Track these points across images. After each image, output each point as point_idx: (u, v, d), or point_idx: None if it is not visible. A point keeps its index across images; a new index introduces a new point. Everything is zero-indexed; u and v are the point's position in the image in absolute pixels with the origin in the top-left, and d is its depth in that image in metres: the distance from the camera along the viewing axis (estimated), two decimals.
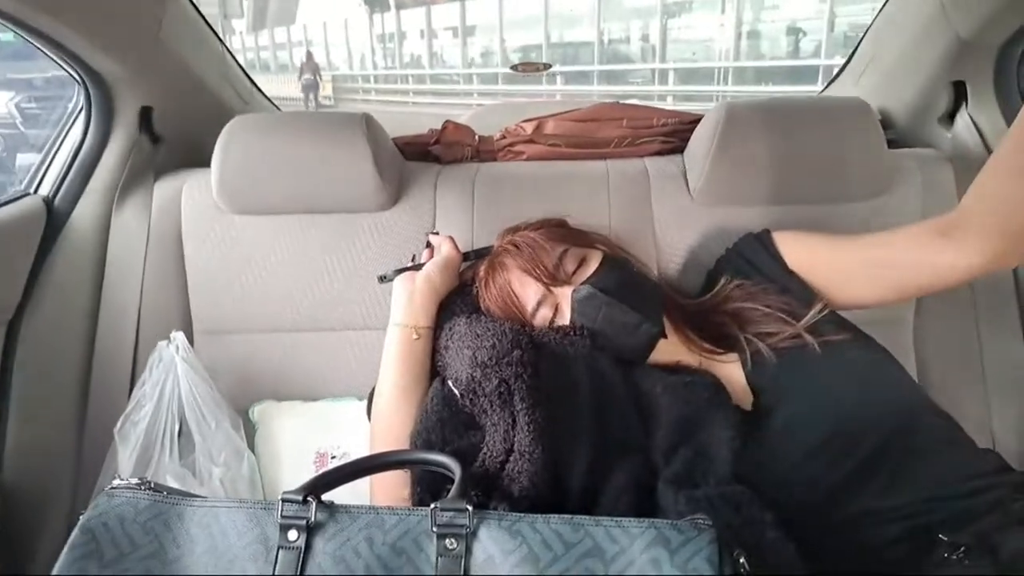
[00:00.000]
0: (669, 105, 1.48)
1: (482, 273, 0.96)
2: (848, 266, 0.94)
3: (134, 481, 0.65)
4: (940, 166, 1.18)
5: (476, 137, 1.32)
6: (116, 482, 0.66)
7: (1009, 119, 1.21)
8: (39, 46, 1.08)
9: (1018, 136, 0.77)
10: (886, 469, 0.77)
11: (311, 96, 11.82)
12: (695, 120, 1.22)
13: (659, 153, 1.26)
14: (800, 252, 0.97)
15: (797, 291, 0.95)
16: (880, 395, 0.84)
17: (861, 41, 1.43)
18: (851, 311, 0.96)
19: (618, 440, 0.79)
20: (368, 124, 1.12)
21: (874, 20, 1.38)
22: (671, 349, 0.93)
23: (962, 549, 0.69)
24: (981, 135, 1.22)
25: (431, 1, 13.24)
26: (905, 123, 1.35)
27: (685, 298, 1.05)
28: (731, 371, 0.92)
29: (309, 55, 13.15)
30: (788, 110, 1.12)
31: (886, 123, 1.36)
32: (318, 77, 12.35)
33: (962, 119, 1.24)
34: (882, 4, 1.33)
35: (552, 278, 0.90)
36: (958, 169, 1.17)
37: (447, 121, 1.31)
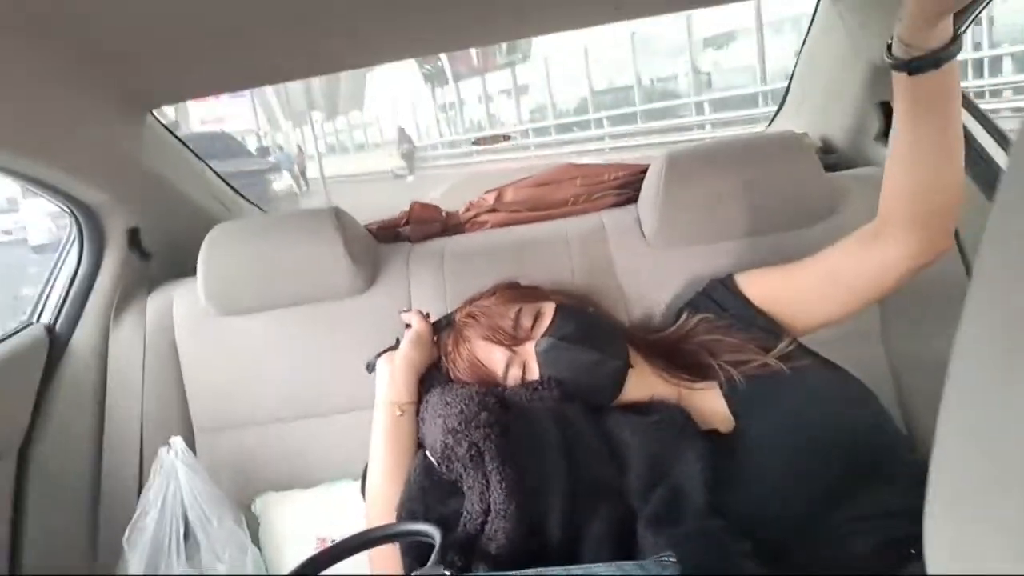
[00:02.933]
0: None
1: (449, 348, 1.01)
2: (803, 290, 0.99)
3: None
4: (880, 180, 1.23)
5: (443, 213, 1.39)
6: None
7: None
8: (27, 186, 1.17)
9: (902, 129, 0.82)
10: (855, 486, 0.79)
11: (411, 161, 12.67)
12: (644, 170, 1.29)
13: (615, 205, 1.32)
14: (762, 289, 1.02)
15: (765, 326, 0.99)
16: (845, 416, 0.87)
17: (791, 81, 1.52)
18: (820, 330, 1.00)
19: (593, 487, 0.82)
20: (338, 216, 1.20)
21: (797, 61, 1.47)
22: (644, 383, 0.96)
23: None
24: None
25: (485, 69, 13.90)
26: (845, 146, 1.41)
27: (653, 334, 1.09)
28: (709, 398, 0.95)
29: (401, 130, 14.07)
30: (725, 150, 1.19)
31: (829, 148, 1.43)
32: (413, 145, 13.23)
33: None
34: (800, 46, 1.42)
35: (512, 339, 0.95)
36: None
37: (414, 202, 1.39)
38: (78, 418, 1.23)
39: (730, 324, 1.00)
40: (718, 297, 1.06)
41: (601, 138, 12.03)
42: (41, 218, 7.70)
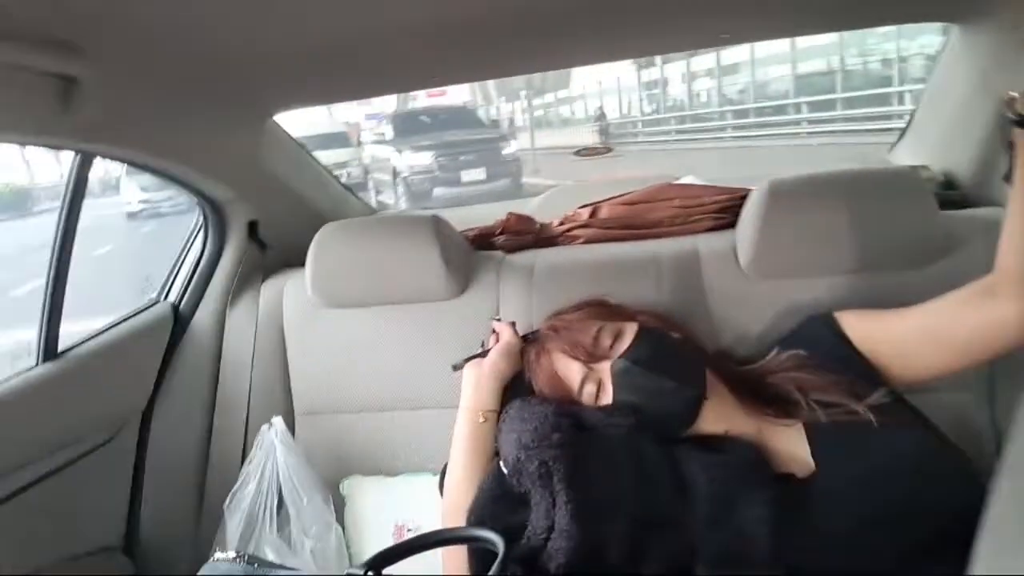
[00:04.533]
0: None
1: (531, 358, 1.04)
2: (906, 341, 0.95)
3: (232, 555, 0.78)
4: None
5: (537, 225, 1.43)
6: (218, 555, 0.79)
7: None
8: (165, 180, 1.31)
9: (1023, 186, 0.77)
10: (930, 558, 0.77)
11: (606, 137, 13.39)
12: (744, 196, 1.27)
13: (711, 230, 1.31)
14: (863, 332, 0.98)
15: (861, 371, 0.95)
16: (934, 490, 0.83)
17: (916, 109, 1.44)
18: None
19: (657, 519, 0.83)
20: (436, 223, 1.26)
21: (925, 89, 1.39)
22: (722, 415, 0.94)
23: None
24: None
25: (691, 54, 14.13)
26: (970, 183, 1.33)
27: (740, 365, 1.07)
28: (790, 437, 0.93)
29: (599, 108, 14.84)
30: (832, 182, 1.15)
31: (951, 184, 1.35)
32: (608, 122, 14.13)
33: None
34: (931, 73, 1.35)
35: (590, 355, 0.96)
36: None
37: (509, 213, 1.43)
38: (195, 391, 1.37)
39: (823, 363, 0.97)
40: (815, 334, 1.02)
41: (798, 123, 11.37)
42: (135, 191, 8.72)
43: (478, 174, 8.06)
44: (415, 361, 1.29)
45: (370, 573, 0.71)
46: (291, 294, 1.37)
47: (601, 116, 14.02)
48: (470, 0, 0.92)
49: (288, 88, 1.30)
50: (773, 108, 12.38)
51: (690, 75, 14.69)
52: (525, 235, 1.40)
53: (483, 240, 1.43)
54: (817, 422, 0.90)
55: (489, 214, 1.50)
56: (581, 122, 14.70)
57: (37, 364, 1.16)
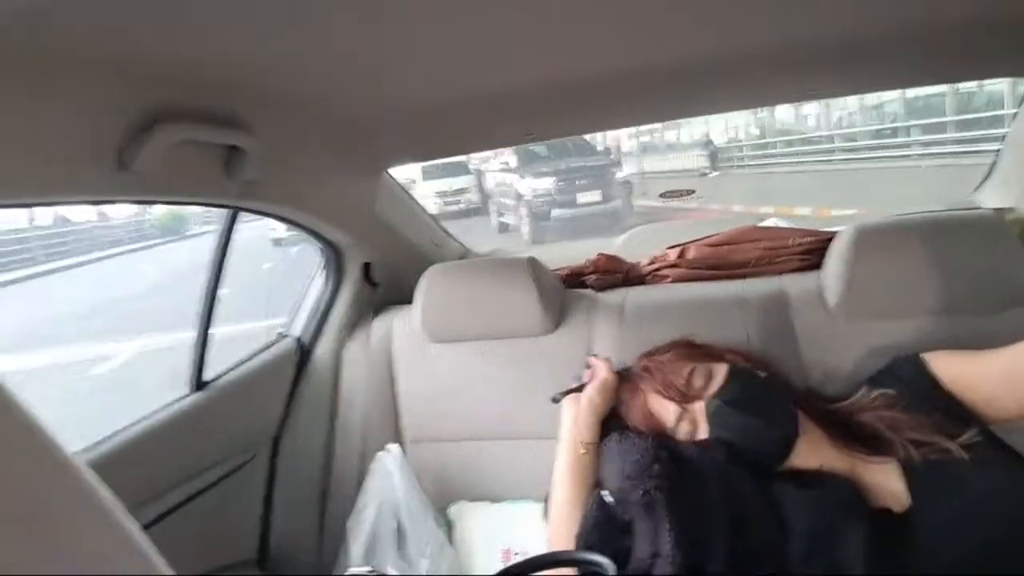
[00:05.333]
0: None
1: (626, 396, 1.12)
2: (994, 382, 0.97)
3: (365, 569, 0.88)
4: None
5: (626, 264, 1.51)
6: (352, 569, 0.90)
7: None
8: (292, 226, 1.47)
9: None
10: None
11: (714, 160, 13.61)
12: (830, 238, 1.31)
13: (797, 270, 1.36)
14: (951, 373, 1.01)
15: (951, 411, 0.98)
16: None
17: (1001, 148, 1.45)
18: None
19: (755, 550, 0.89)
20: (532, 265, 1.37)
21: (1009, 129, 1.40)
22: (815, 451, 0.99)
23: None
24: None
25: None
26: None
27: (830, 403, 1.11)
28: (885, 473, 0.96)
29: (706, 135, 14.92)
30: (917, 227, 1.19)
31: None
32: (716, 147, 14.23)
33: None
34: (1014, 113, 1.36)
35: (684, 396, 1.03)
36: None
37: (600, 253, 1.52)
38: (317, 418, 1.51)
39: (912, 403, 1.01)
40: (903, 375, 1.06)
41: (908, 145, 11.26)
42: (427, 197, 9.78)
43: (593, 196, 9.18)
44: (512, 393, 1.39)
45: None
46: (399, 329, 1.51)
47: (708, 142, 14.14)
48: (587, 61, 1.02)
49: (400, 146, 1.45)
50: (881, 131, 12.14)
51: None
52: (615, 274, 1.49)
53: (574, 279, 1.53)
54: (910, 459, 0.94)
55: (580, 253, 1.60)
56: (687, 147, 14.73)
57: (189, 394, 1.32)
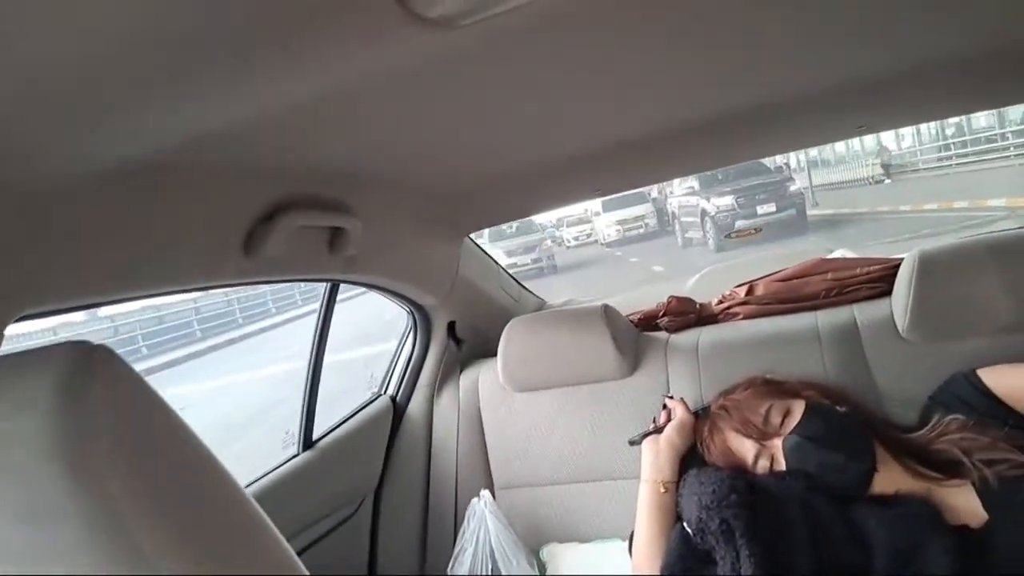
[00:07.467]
0: None
1: (704, 435, 1.17)
2: None
3: None
4: None
5: (697, 305, 1.56)
6: None
7: None
8: (379, 292, 1.61)
9: None
10: None
11: (888, 168, 13.91)
12: (897, 265, 1.32)
13: (868, 298, 1.37)
14: (1008, 385, 1.03)
15: (1016, 422, 1.00)
16: None
17: None
18: None
19: (835, 570, 0.91)
20: (606, 312, 1.44)
21: None
22: (892, 480, 1.01)
23: None
24: None
25: None
26: None
27: (904, 433, 1.13)
28: (960, 494, 0.98)
29: (881, 143, 15.11)
30: (983, 248, 1.19)
31: None
32: (891, 154, 14.50)
33: None
34: None
35: (762, 433, 1.07)
36: None
37: (670, 296, 1.58)
38: (413, 469, 1.62)
39: (982, 422, 1.02)
40: (961, 392, 1.08)
41: None
42: (609, 226, 13.46)
43: (770, 207, 10.35)
44: (594, 436, 1.45)
45: None
46: (485, 382, 1.61)
47: (883, 150, 14.20)
48: (652, 118, 1.11)
49: (481, 212, 1.59)
50: None
51: None
52: (687, 315, 1.54)
53: (648, 322, 1.59)
54: (983, 479, 0.95)
55: (652, 297, 1.67)
56: (856, 157, 14.93)
57: (299, 453, 1.46)
